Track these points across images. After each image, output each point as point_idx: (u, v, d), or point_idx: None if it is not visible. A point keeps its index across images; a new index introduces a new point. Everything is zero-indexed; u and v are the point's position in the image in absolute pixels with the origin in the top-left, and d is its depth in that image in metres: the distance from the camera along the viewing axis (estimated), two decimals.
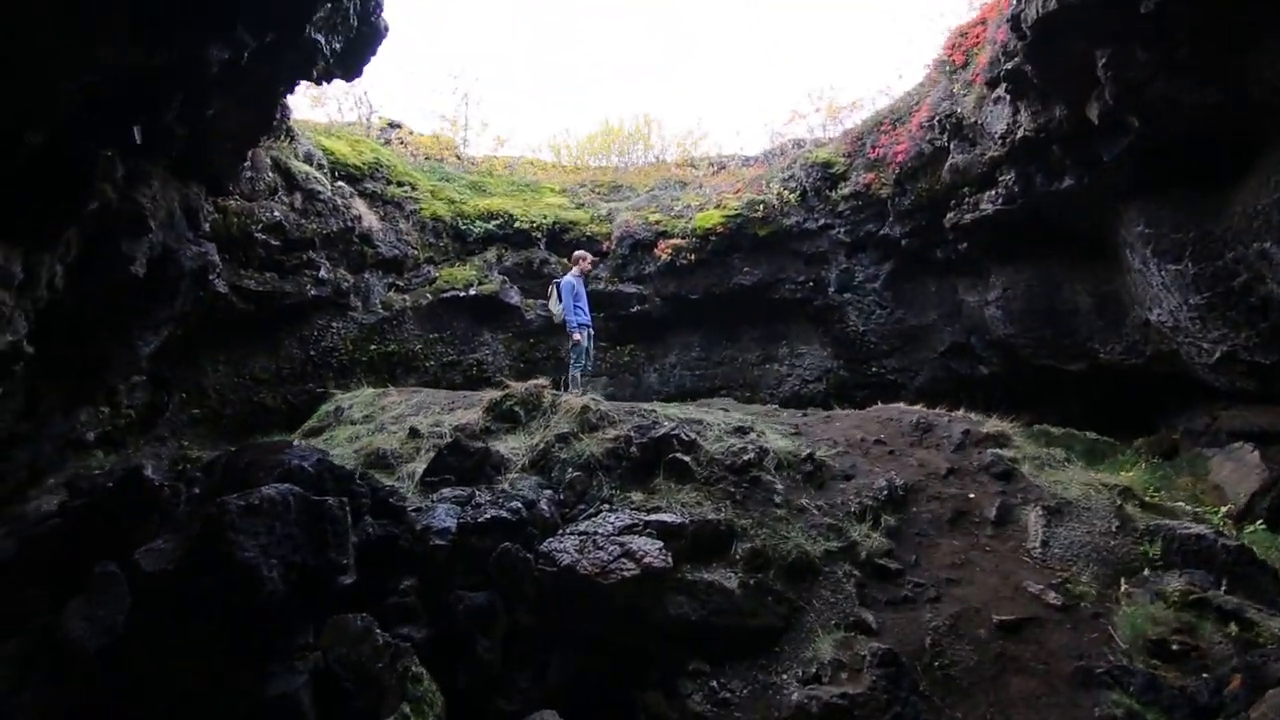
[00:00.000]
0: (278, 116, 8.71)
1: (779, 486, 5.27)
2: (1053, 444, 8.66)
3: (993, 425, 6.61)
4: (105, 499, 4.04)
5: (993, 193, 10.18)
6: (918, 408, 7.68)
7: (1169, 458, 10.77)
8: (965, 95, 9.86)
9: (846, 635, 4.07)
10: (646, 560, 3.99)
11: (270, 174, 9.97)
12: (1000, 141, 9.23)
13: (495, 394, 6.38)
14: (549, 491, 4.93)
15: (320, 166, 11.40)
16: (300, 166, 10.53)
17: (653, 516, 4.57)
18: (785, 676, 3.95)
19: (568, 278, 10.51)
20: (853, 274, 13.17)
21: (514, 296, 13.35)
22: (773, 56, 39.69)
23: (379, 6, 7.17)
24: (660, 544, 4.23)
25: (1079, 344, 11.13)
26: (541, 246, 14.15)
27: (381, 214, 12.76)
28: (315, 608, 3.65)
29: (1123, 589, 4.28)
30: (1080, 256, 10.66)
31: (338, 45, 6.67)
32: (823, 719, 3.48)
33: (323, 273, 10.72)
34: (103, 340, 7.84)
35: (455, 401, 7.15)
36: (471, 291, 13.04)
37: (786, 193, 13.14)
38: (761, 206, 13.12)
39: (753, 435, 5.88)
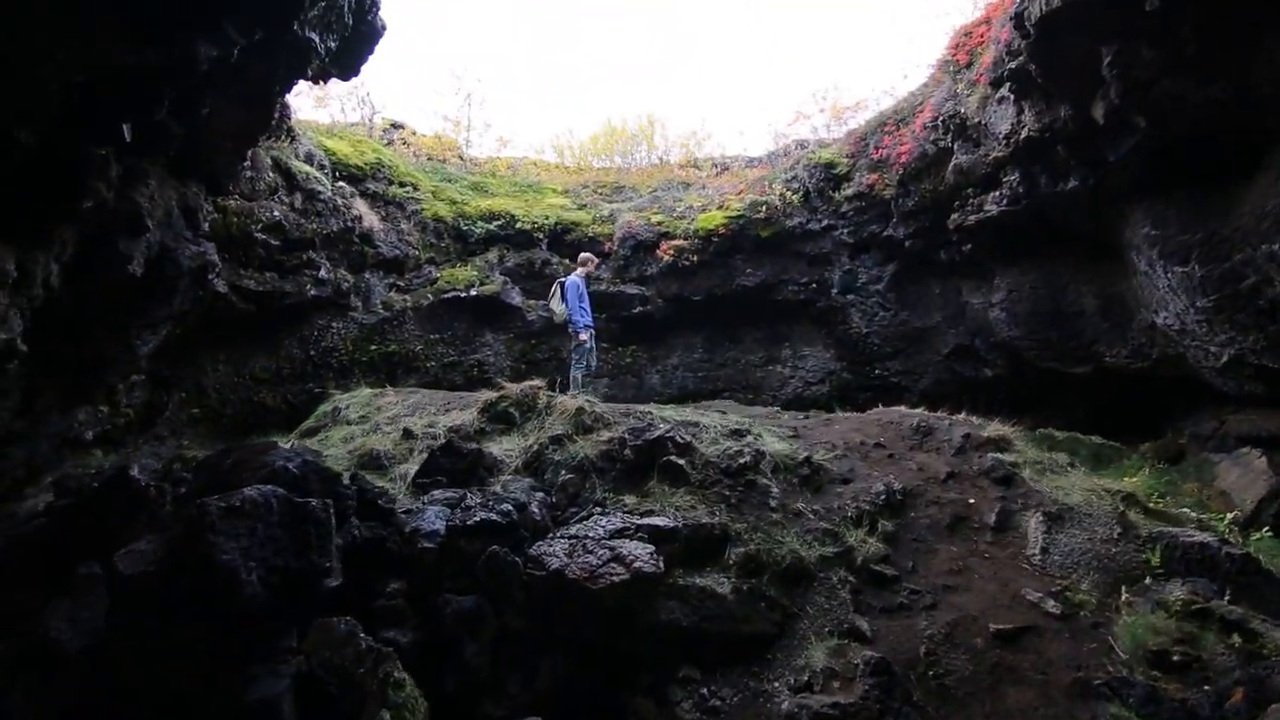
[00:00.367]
0: (276, 116, 8.70)
1: (775, 490, 5.19)
2: (1056, 448, 8.55)
3: (994, 429, 6.51)
4: (92, 499, 4.01)
5: (997, 194, 10.08)
6: (919, 411, 7.59)
7: (1175, 463, 10.63)
8: (969, 95, 9.76)
9: (840, 643, 3.99)
10: (636, 565, 3.93)
11: (270, 174, 9.96)
12: (1004, 142, 9.13)
13: (491, 395, 6.33)
14: (541, 494, 4.87)
15: (321, 167, 11.40)
16: (301, 166, 10.52)
17: (645, 520, 4.50)
18: (777, 684, 3.88)
19: (573, 277, 10.49)
20: (856, 275, 13.08)
21: (515, 297, 13.32)
22: (776, 56, 39.58)
23: (376, 5, 7.15)
24: (651, 548, 4.17)
25: (1084, 346, 11.01)
26: (543, 247, 14.11)
27: (383, 214, 12.75)
28: (299, 610, 3.60)
29: (1123, 598, 4.19)
30: (1085, 258, 10.54)
31: (333, 44, 6.64)
32: None
33: (323, 273, 10.71)
34: (101, 339, 7.84)
35: (451, 402, 7.11)
36: (473, 292, 13.02)
37: (789, 193, 13.06)
38: (764, 207, 13.05)
39: (749, 438, 5.81)
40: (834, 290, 13.24)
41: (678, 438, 5.39)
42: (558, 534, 4.31)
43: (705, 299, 13.58)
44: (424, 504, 4.62)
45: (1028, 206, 9.76)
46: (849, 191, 12.52)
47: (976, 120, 9.60)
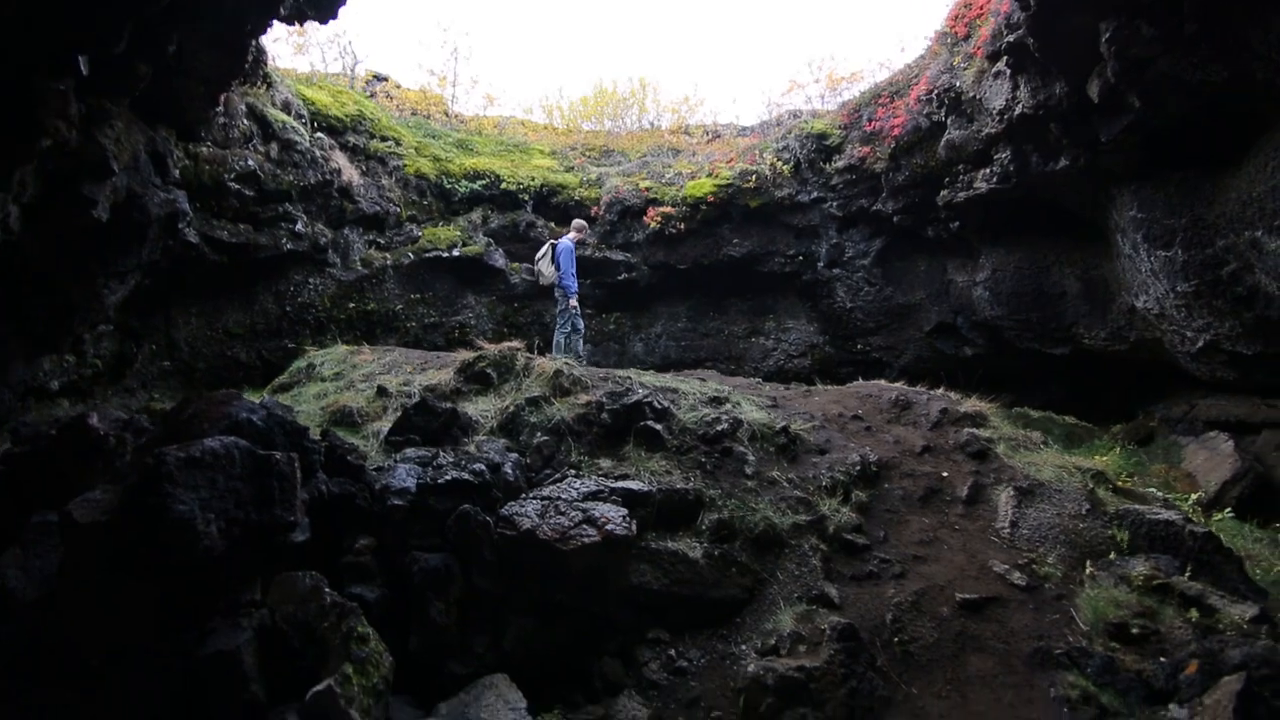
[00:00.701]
0: (250, 59, 8.35)
1: (751, 458, 5.19)
2: (1031, 426, 8.67)
3: (971, 405, 6.55)
4: (49, 447, 3.88)
5: (987, 171, 10.02)
6: (898, 385, 7.61)
7: (1145, 444, 10.85)
8: (965, 69, 9.61)
9: (808, 609, 4.02)
10: (609, 528, 3.90)
11: (245, 121, 9.61)
12: (998, 118, 9.03)
13: (468, 355, 6.23)
14: (515, 455, 4.81)
15: (300, 117, 11.02)
16: (277, 115, 10.16)
17: (619, 484, 4.47)
18: (744, 647, 3.91)
19: (566, 240, 10.43)
20: (843, 249, 13.03)
21: (499, 259, 13.11)
22: (772, 23, 38.81)
23: None
24: (624, 512, 4.14)
25: (1064, 328, 11.10)
26: (528, 209, 13.87)
27: (363, 169, 12.41)
28: (263, 565, 3.54)
29: (1088, 571, 4.26)
30: (1071, 240, 10.57)
31: None
32: (778, 691, 3.44)
33: (299, 226, 10.43)
34: (66, 287, 7.59)
35: (428, 361, 6.99)
36: (455, 252, 12.78)
37: (780, 163, 12.90)
38: (754, 177, 12.88)
39: (728, 406, 5.78)
40: (820, 264, 13.18)
41: (655, 403, 5.34)
42: (531, 495, 4.26)
43: (691, 268, 13.47)
44: (395, 462, 4.55)
45: (1018, 185, 9.72)
46: (840, 163, 12.39)
47: (971, 95, 9.48)
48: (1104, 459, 6.72)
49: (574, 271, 10.15)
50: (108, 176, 7.02)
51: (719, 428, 5.33)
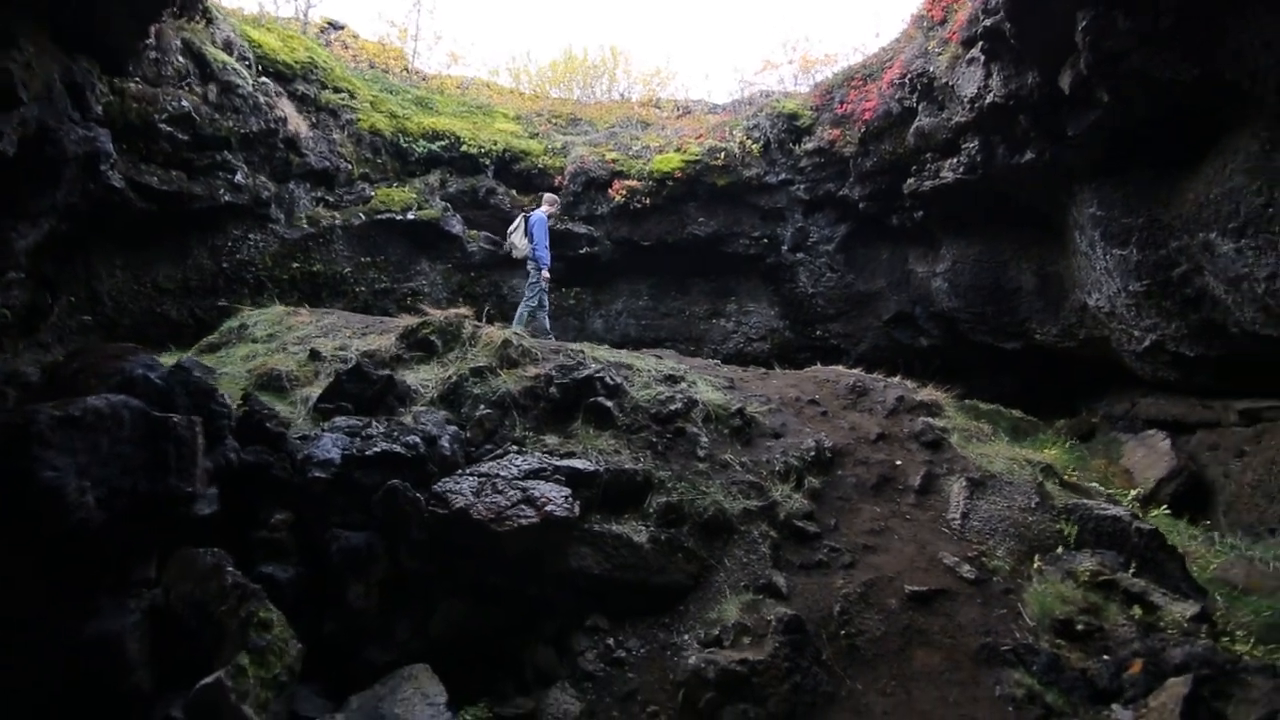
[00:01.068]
0: None
1: (704, 440, 4.99)
2: (979, 418, 8.72)
3: (926, 394, 6.49)
4: None
5: (955, 160, 9.98)
6: (855, 371, 7.52)
7: (1086, 439, 11.13)
8: (940, 54, 9.49)
9: (755, 598, 3.87)
10: (548, 508, 3.65)
11: (180, 58, 8.86)
12: (969, 106, 8.96)
13: (411, 321, 5.86)
14: (455, 428, 4.51)
15: (243, 59, 10.26)
16: (217, 54, 9.41)
17: (564, 462, 4.22)
18: (686, 638, 3.74)
19: (540, 213, 10.19)
20: (808, 234, 12.92)
21: (456, 225, 12.58)
22: (749, 1, 38.31)
23: None
24: (567, 492, 3.90)
25: (1018, 323, 11.24)
26: (489, 175, 13.34)
27: (313, 120, 11.69)
28: (160, 539, 3.18)
29: (1036, 565, 4.21)
30: (1030, 235, 10.66)
31: None
32: (719, 685, 3.28)
33: (239, 177, 9.74)
34: None
35: (370, 326, 6.59)
36: (410, 216, 12.20)
37: (750, 142, 12.66)
38: (723, 154, 12.61)
39: (683, 385, 5.57)
40: (785, 247, 13.06)
41: (608, 379, 5.09)
42: (468, 471, 3.98)
43: (655, 245, 13.18)
44: (322, 431, 4.19)
45: (983, 177, 9.70)
46: (809, 146, 12.22)
47: (944, 81, 9.37)
48: (1052, 452, 6.76)
49: (548, 244, 10.03)
50: (14, 106, 6.36)
51: (673, 407, 5.11)
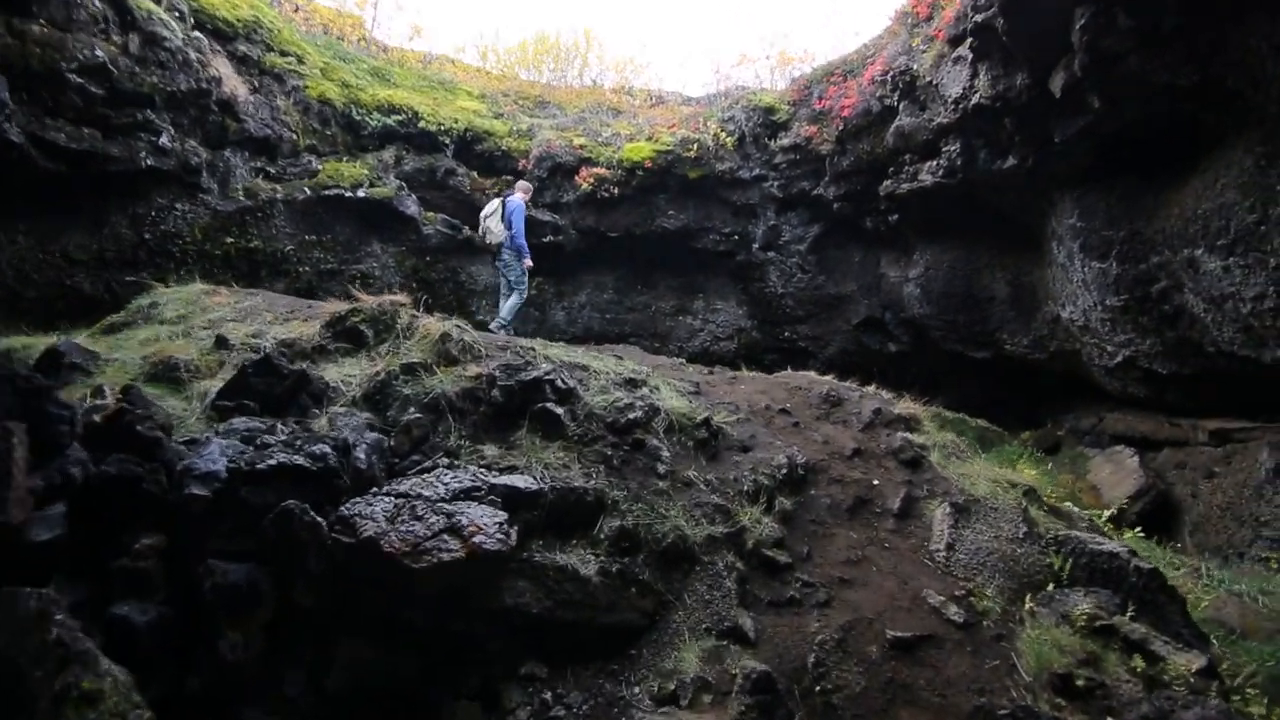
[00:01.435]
0: None
1: (665, 454, 4.45)
2: (945, 427, 8.41)
3: (904, 406, 6.08)
4: None
5: (934, 163, 9.64)
6: (828, 378, 7.10)
7: (1052, 452, 10.96)
8: (924, 51, 9.12)
9: (718, 644, 3.34)
10: (476, 540, 3.06)
11: (96, 2, 7.90)
12: (953, 107, 8.59)
13: (340, 307, 5.16)
14: (376, 435, 3.86)
15: (174, 11, 9.30)
16: (142, 1, 8.46)
17: (502, 479, 3.62)
18: (638, 691, 3.19)
19: (517, 199, 9.76)
20: (780, 232, 12.49)
21: (411, 206, 11.77)
22: None
23: None
24: (503, 517, 3.30)
25: (989, 332, 11.02)
26: (448, 154, 12.55)
27: (255, 84, 10.74)
28: None
29: (1027, 606, 3.80)
30: (1005, 244, 10.42)
31: None
32: None
33: (164, 140, 8.81)
34: None
35: (295, 311, 5.86)
36: (361, 193, 11.36)
37: (724, 135, 12.15)
38: (695, 146, 12.09)
39: (644, 390, 5.02)
40: (755, 245, 12.61)
41: (559, 381, 4.50)
42: (385, 490, 3.35)
43: (622, 236, 12.60)
44: (211, 435, 3.51)
45: (962, 181, 9.38)
46: (785, 141, 11.77)
47: (928, 80, 9.00)
48: (1032, 473, 6.44)
49: (524, 232, 9.68)
50: None
51: (632, 415, 4.55)
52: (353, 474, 3.53)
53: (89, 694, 2.16)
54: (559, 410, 4.31)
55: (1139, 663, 3.44)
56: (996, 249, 10.51)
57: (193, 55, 8.94)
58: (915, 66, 9.35)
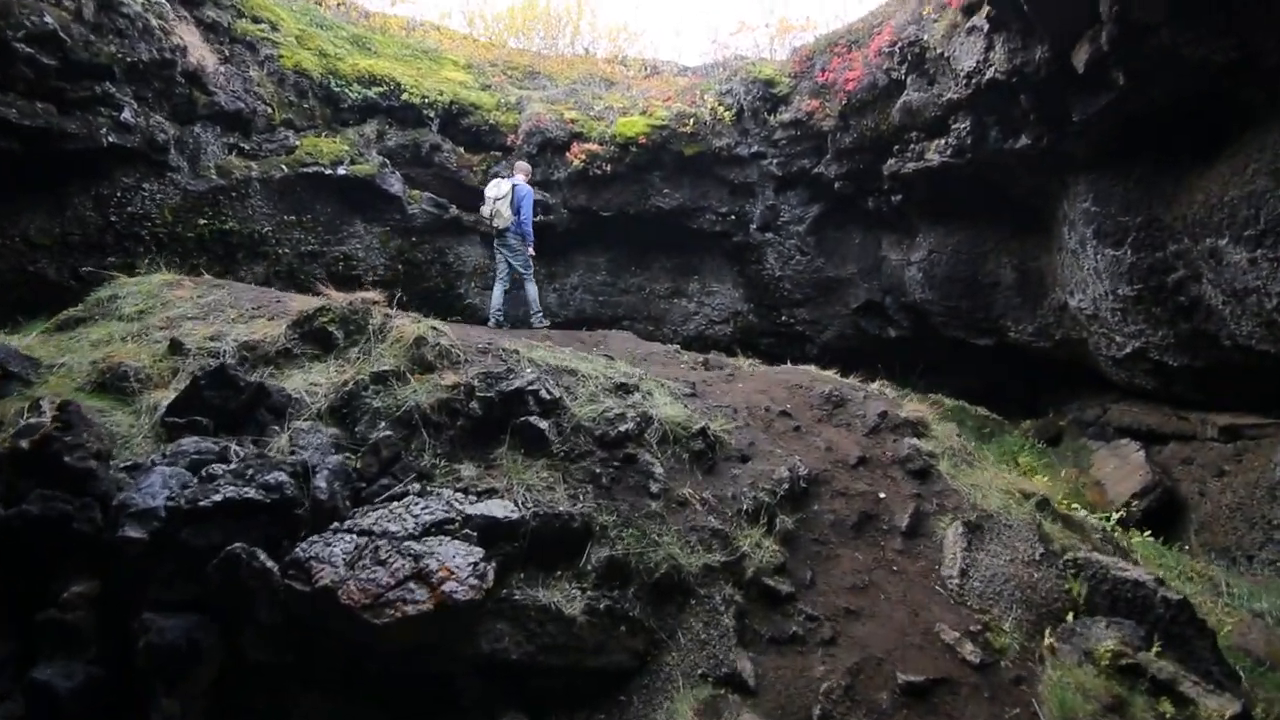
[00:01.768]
0: None
1: (658, 470, 4.12)
2: (945, 416, 8.13)
3: (911, 409, 5.76)
4: None
5: (942, 142, 9.19)
6: (830, 374, 6.77)
7: (1053, 444, 10.71)
8: (936, 21, 8.61)
9: (715, 694, 3.06)
10: (446, 587, 2.74)
11: None
12: (965, 81, 8.12)
13: (308, 306, 4.77)
14: (340, 456, 3.51)
15: None
16: None
17: (478, 508, 3.29)
18: None
19: (527, 186, 9.68)
20: (778, 212, 12.04)
21: (395, 184, 11.26)
22: None
23: None
24: (478, 556, 2.98)
25: (992, 319, 10.69)
26: (434, 129, 11.99)
27: (226, 54, 10.14)
28: None
29: (1047, 642, 3.53)
30: (1012, 228, 10.03)
31: None
32: None
33: (127, 115, 8.27)
34: None
35: (262, 307, 5.45)
36: (341, 170, 10.84)
37: (722, 109, 11.62)
38: (692, 120, 11.56)
39: (637, 397, 4.68)
40: (753, 225, 12.17)
41: (544, 391, 4.15)
42: (345, 525, 3.01)
43: (616, 215, 12.12)
44: (156, 461, 3.16)
45: (971, 161, 8.95)
46: (785, 116, 11.25)
47: (939, 52, 8.50)
48: (1041, 479, 6.15)
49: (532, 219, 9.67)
50: None
51: (623, 427, 4.22)
52: (312, 504, 3.19)
53: None
54: (543, 425, 3.96)
55: (1167, 707, 3.18)
56: (1003, 233, 10.13)
57: (154, 21, 8.36)
58: (925, 37, 8.84)
